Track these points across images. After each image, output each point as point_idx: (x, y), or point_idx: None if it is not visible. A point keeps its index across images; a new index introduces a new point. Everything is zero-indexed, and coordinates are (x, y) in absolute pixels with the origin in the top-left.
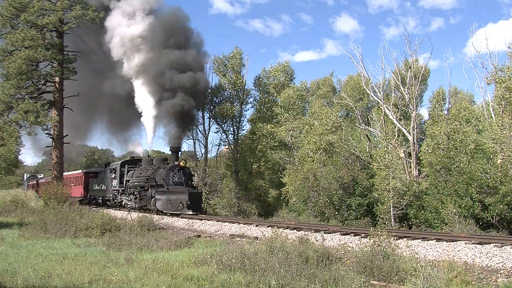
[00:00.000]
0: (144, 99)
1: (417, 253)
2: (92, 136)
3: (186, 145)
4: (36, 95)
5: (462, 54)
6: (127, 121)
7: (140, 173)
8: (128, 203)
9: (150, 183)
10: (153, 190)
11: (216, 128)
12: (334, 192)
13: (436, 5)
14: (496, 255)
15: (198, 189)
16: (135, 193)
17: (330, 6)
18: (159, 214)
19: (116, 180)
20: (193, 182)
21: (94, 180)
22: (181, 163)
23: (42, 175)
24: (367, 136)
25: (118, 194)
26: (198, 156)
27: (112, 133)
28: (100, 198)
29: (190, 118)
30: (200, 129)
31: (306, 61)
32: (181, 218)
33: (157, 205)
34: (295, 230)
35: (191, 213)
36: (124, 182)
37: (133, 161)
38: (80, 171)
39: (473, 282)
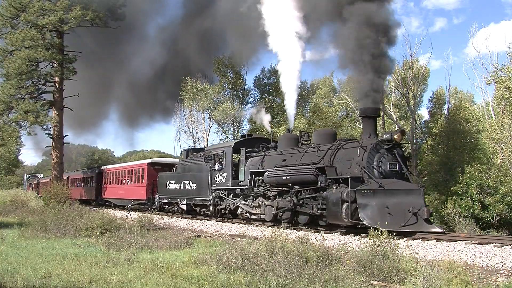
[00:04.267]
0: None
1: (417, 253)
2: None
3: (186, 145)
4: (36, 95)
5: (464, 55)
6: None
7: (284, 160)
8: (253, 211)
9: (329, 175)
10: (341, 189)
11: (216, 128)
12: None
13: (439, 5)
14: (496, 255)
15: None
16: (270, 195)
17: None
18: (159, 214)
19: (224, 174)
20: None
21: (167, 176)
22: (397, 137)
23: (42, 175)
24: None
25: (227, 196)
26: None
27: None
28: (184, 203)
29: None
30: (200, 128)
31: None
32: (181, 218)
33: (362, 216)
34: (295, 230)
35: (437, 230)
36: (243, 177)
37: (251, 141)
38: (142, 161)
39: (473, 282)
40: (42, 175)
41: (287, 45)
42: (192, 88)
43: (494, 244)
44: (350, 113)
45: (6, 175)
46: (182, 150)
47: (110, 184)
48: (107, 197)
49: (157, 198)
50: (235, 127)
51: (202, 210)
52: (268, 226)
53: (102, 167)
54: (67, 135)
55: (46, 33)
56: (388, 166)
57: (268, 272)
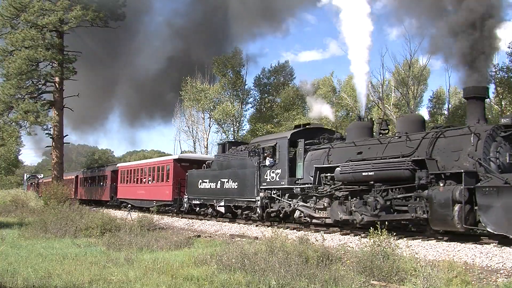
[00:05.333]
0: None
1: (417, 253)
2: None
3: (186, 145)
4: (36, 95)
5: None
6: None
7: (360, 153)
8: (316, 215)
9: (431, 170)
10: (451, 187)
11: (216, 128)
12: None
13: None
14: (496, 255)
15: None
16: (339, 195)
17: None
18: (159, 214)
19: (278, 171)
20: None
21: (198, 174)
22: None
23: (42, 175)
24: None
25: (281, 196)
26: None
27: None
28: (221, 205)
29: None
30: (200, 128)
31: (309, 61)
32: (181, 218)
33: (485, 221)
34: (295, 230)
35: None
36: (302, 173)
37: (309, 132)
38: (167, 157)
39: (473, 282)
40: (42, 175)
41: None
42: (192, 88)
43: (494, 244)
44: (350, 113)
45: (6, 175)
46: (217, 144)
47: (127, 183)
48: (123, 197)
49: (186, 199)
50: (235, 127)
51: (246, 212)
52: (267, 226)
53: (117, 165)
54: (67, 135)
55: (46, 33)
56: (508, 157)
57: (268, 272)
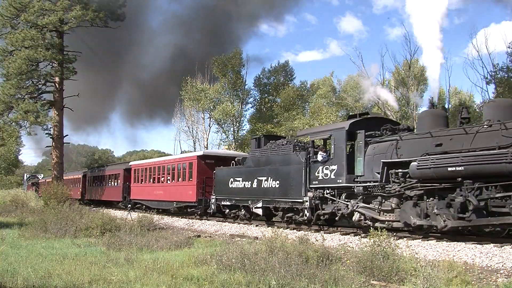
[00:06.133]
0: None
1: (417, 253)
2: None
3: (186, 145)
4: (36, 95)
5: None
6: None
7: (439, 145)
8: (381, 217)
9: None
10: None
11: (216, 128)
12: None
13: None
14: (496, 255)
15: None
16: (411, 194)
17: (335, 6)
18: (159, 214)
19: (332, 167)
20: None
21: (229, 172)
22: None
23: (42, 175)
24: None
25: (337, 196)
26: None
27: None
28: (259, 207)
29: None
30: (200, 128)
31: (310, 61)
32: (181, 218)
33: None
34: (295, 230)
35: None
36: (363, 170)
37: (368, 123)
38: (190, 154)
39: (473, 282)
40: (42, 175)
41: None
42: (192, 88)
43: (494, 244)
44: (350, 113)
45: (6, 175)
46: (251, 138)
47: (142, 182)
48: (137, 198)
49: (213, 200)
50: (235, 127)
51: (289, 215)
52: (256, 225)
53: (130, 163)
54: (67, 135)
55: (46, 33)
56: None
57: (268, 272)
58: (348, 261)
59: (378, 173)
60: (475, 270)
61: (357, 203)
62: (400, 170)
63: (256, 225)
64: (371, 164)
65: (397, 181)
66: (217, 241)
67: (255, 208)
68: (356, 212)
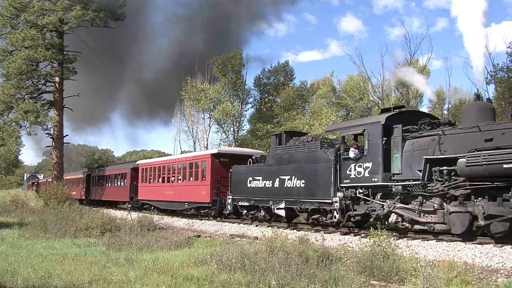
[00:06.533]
0: None
1: (417, 253)
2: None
3: (186, 145)
4: (36, 95)
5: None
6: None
7: (489, 140)
8: (422, 219)
9: None
10: None
11: (216, 128)
12: None
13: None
14: (496, 255)
15: None
16: (457, 194)
17: (335, 6)
18: (159, 214)
19: (367, 165)
20: None
21: (247, 170)
22: None
23: (42, 175)
24: None
25: (371, 196)
26: None
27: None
28: (281, 207)
29: None
30: (200, 128)
31: (310, 61)
32: (181, 218)
33: None
34: (295, 230)
35: None
36: (400, 167)
37: (404, 117)
38: (203, 152)
39: (473, 282)
40: (42, 175)
41: None
42: (192, 88)
43: (494, 244)
44: (350, 113)
45: (6, 175)
46: (272, 135)
47: (149, 182)
48: (145, 199)
49: (229, 200)
50: (235, 127)
51: (315, 216)
52: (256, 225)
53: (137, 162)
54: (67, 135)
55: (46, 33)
56: None
57: (268, 272)
58: (348, 261)
59: (420, 171)
60: (475, 270)
61: (394, 203)
62: (444, 168)
63: (256, 225)
64: (409, 161)
65: (441, 179)
66: (217, 241)
67: (277, 209)
68: (393, 214)
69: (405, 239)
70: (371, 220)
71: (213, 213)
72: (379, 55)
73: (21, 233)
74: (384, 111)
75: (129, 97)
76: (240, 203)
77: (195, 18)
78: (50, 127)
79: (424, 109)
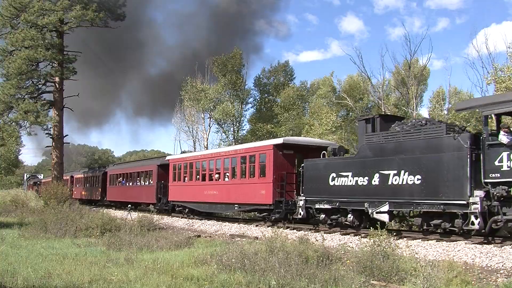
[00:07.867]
0: None
1: (417, 253)
2: None
3: (186, 145)
4: (36, 95)
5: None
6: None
7: None
8: None
9: None
10: None
11: (216, 128)
12: None
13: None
14: (496, 255)
15: None
16: None
17: (336, 6)
18: (159, 214)
19: None
20: None
21: (328, 165)
22: None
23: (42, 175)
24: None
25: None
26: None
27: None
28: (384, 211)
29: None
30: (200, 128)
31: (311, 61)
32: (181, 218)
33: None
34: (295, 230)
35: None
36: None
37: None
38: (262, 142)
39: (473, 282)
40: (42, 175)
41: None
42: (192, 88)
43: (494, 244)
44: (350, 113)
45: (6, 175)
46: (359, 120)
47: (184, 180)
48: (178, 200)
49: (301, 202)
50: (235, 127)
51: (436, 222)
52: (268, 226)
53: (167, 157)
54: (67, 135)
55: (46, 33)
56: None
57: (268, 272)
58: (348, 261)
59: None
60: (475, 270)
61: None
62: None
63: (256, 225)
64: None
65: None
66: (217, 241)
67: (376, 212)
68: None
69: (405, 239)
70: None
71: (276, 217)
72: (379, 55)
73: (21, 233)
74: None
75: (129, 97)
76: (317, 206)
77: (195, 18)
78: (50, 127)
79: (424, 109)
